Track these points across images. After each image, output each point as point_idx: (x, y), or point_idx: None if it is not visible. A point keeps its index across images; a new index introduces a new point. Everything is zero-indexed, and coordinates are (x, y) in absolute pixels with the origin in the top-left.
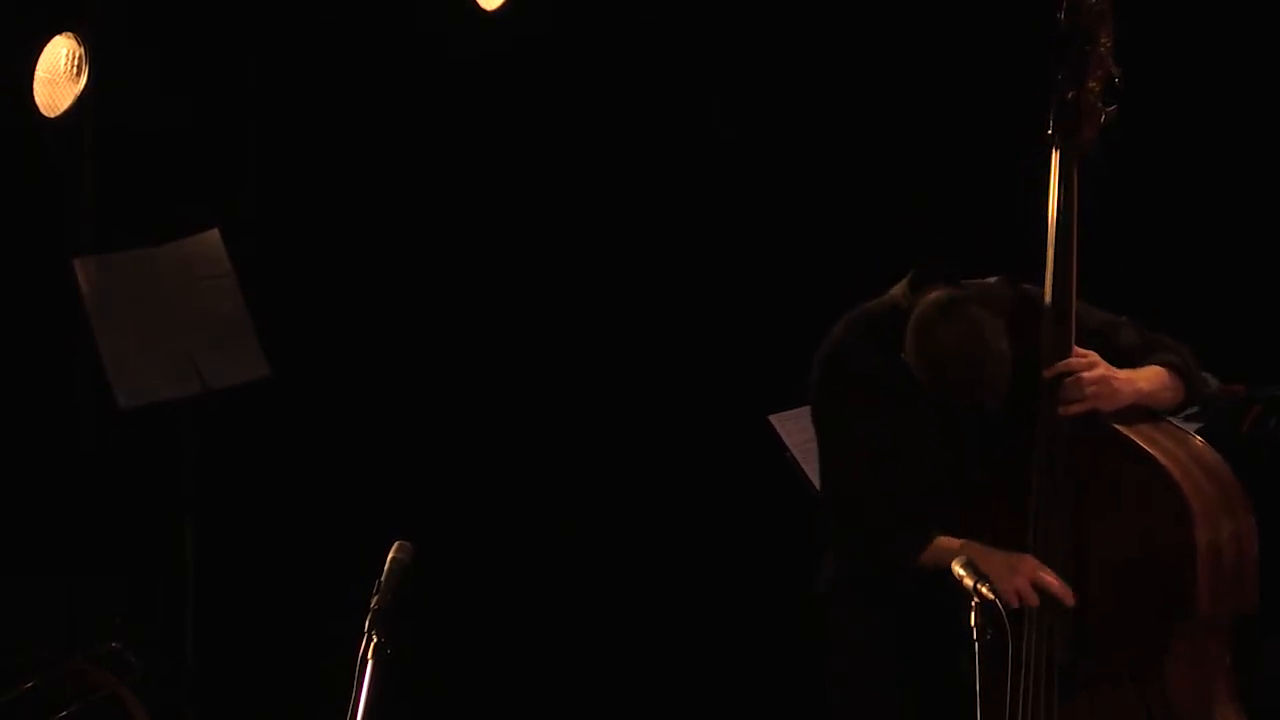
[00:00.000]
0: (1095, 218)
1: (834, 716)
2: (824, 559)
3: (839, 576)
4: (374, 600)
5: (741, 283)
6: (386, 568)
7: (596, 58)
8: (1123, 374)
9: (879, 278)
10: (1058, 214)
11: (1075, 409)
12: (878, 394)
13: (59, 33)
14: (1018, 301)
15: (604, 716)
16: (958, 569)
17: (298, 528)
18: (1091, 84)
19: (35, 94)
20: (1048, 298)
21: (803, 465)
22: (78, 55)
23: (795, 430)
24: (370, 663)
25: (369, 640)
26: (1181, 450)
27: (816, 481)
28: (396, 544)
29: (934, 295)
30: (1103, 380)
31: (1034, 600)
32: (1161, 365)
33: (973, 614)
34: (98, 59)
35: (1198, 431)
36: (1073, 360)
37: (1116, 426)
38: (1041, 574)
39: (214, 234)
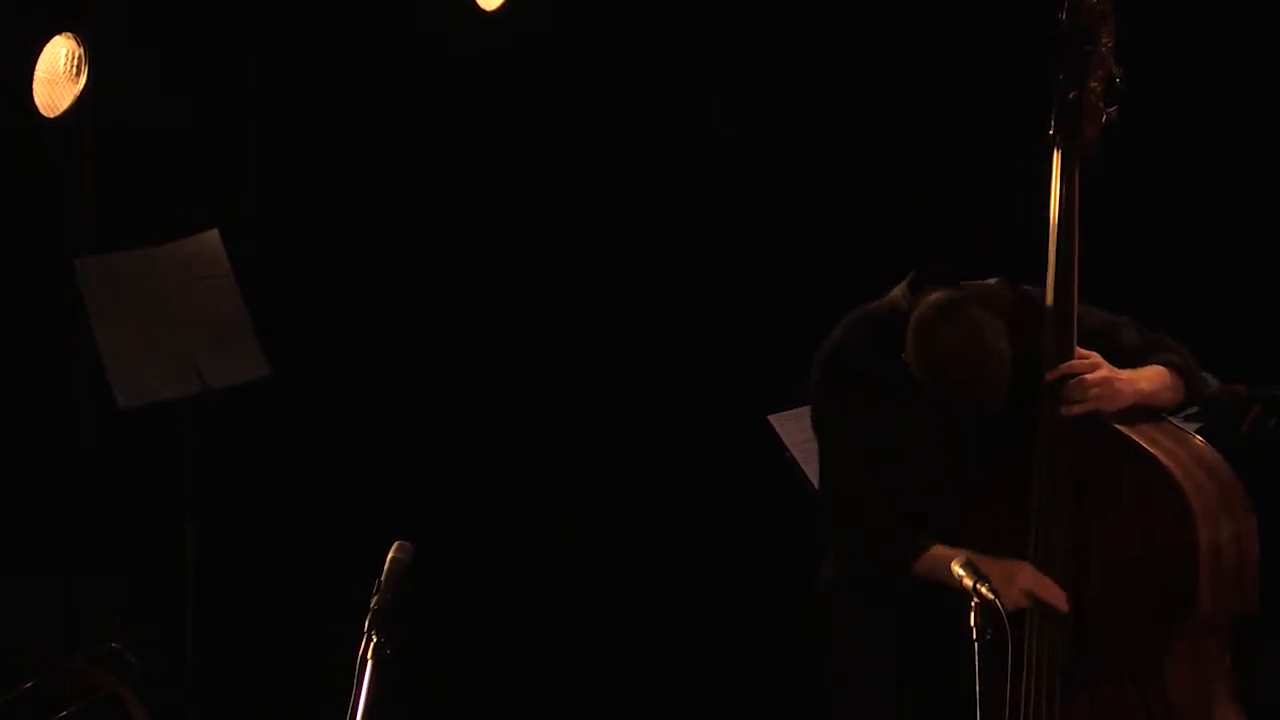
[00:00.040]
0: (1096, 218)
1: (834, 716)
2: (824, 559)
3: (839, 576)
4: (374, 600)
5: (741, 283)
6: (386, 568)
7: (596, 58)
8: (1124, 374)
9: (879, 278)
10: (1059, 215)
11: (1077, 410)
12: (878, 395)
13: (59, 33)
14: (1018, 303)
15: (604, 716)
16: (957, 569)
17: (298, 528)
18: (1093, 84)
19: (35, 94)
20: (1049, 299)
21: (803, 465)
22: (78, 55)
23: (795, 430)
24: (370, 663)
25: (369, 640)
26: (1182, 450)
27: (816, 482)
28: (396, 544)
29: (934, 296)
30: (1105, 381)
31: (1026, 604)
32: (1162, 365)
33: (973, 614)
34: (98, 59)
35: (1198, 431)
36: (1075, 362)
37: (1117, 427)
38: (1038, 583)
39: (214, 234)
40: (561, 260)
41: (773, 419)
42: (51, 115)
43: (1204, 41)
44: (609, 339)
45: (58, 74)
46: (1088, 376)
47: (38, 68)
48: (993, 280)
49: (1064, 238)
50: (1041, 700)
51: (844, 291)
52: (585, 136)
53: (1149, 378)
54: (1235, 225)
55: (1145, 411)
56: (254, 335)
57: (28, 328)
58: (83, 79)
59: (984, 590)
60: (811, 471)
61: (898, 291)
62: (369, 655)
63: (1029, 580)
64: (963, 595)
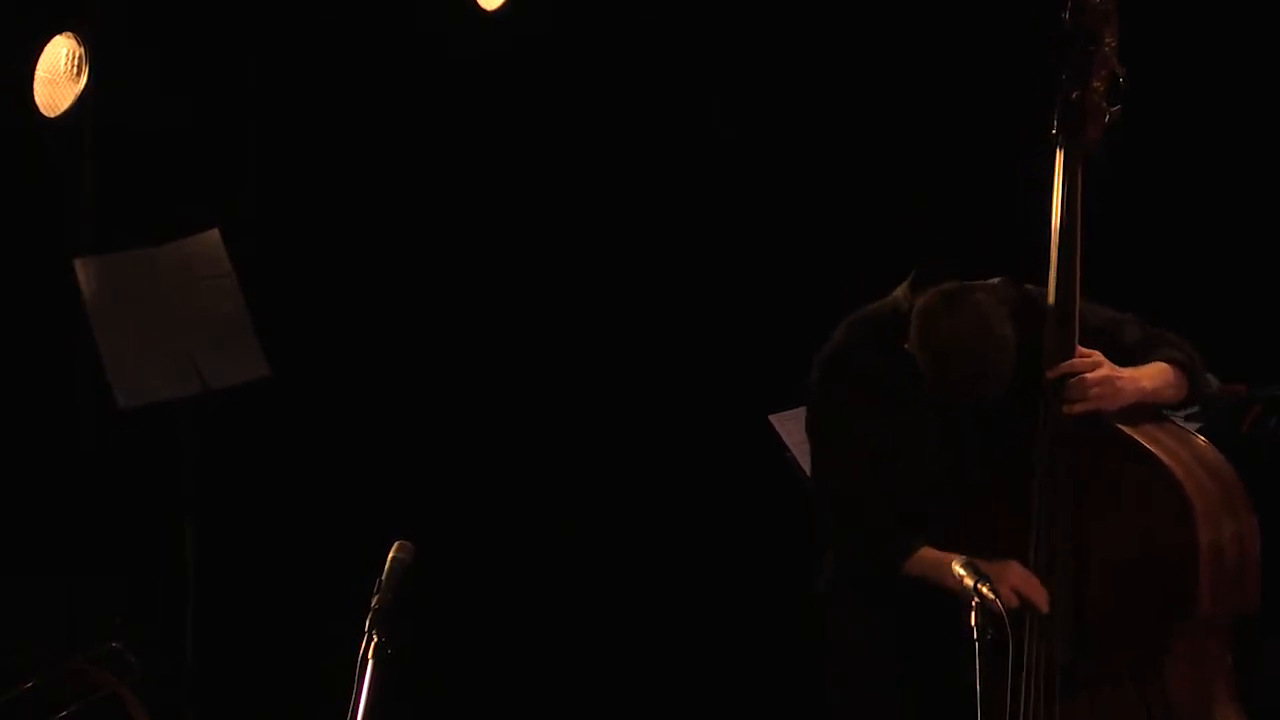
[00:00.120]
0: (1096, 217)
1: (834, 716)
2: (824, 559)
3: (839, 576)
4: (374, 600)
5: (742, 283)
6: (387, 568)
7: (596, 58)
8: (1126, 373)
9: (880, 279)
10: (1062, 214)
11: (1078, 409)
12: (878, 395)
13: (59, 33)
14: (1020, 302)
15: (604, 716)
16: (958, 569)
17: (298, 528)
18: (1096, 84)
19: (35, 94)
20: (1051, 298)
21: (803, 465)
22: (78, 55)
23: (795, 430)
24: (370, 663)
25: (369, 640)
26: (1184, 450)
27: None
28: (397, 544)
29: (938, 288)
30: (1106, 381)
31: (1015, 602)
32: (1165, 361)
33: (973, 614)
34: (98, 59)
35: (1198, 431)
36: (1076, 361)
37: (1119, 426)
38: (1026, 581)
39: (214, 234)
40: (562, 260)
41: (773, 419)
42: (52, 115)
43: (1205, 41)
44: (609, 339)
45: (58, 74)
46: (1089, 375)
47: (38, 67)
48: (995, 280)
49: (1066, 237)
50: (1041, 700)
51: (844, 292)
52: (585, 137)
53: (1151, 375)
54: (1235, 225)
55: (1148, 410)
56: (254, 335)
57: (28, 328)
58: (83, 79)
59: (984, 590)
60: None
61: (899, 292)
62: (369, 655)
63: (1018, 578)
64: (960, 595)
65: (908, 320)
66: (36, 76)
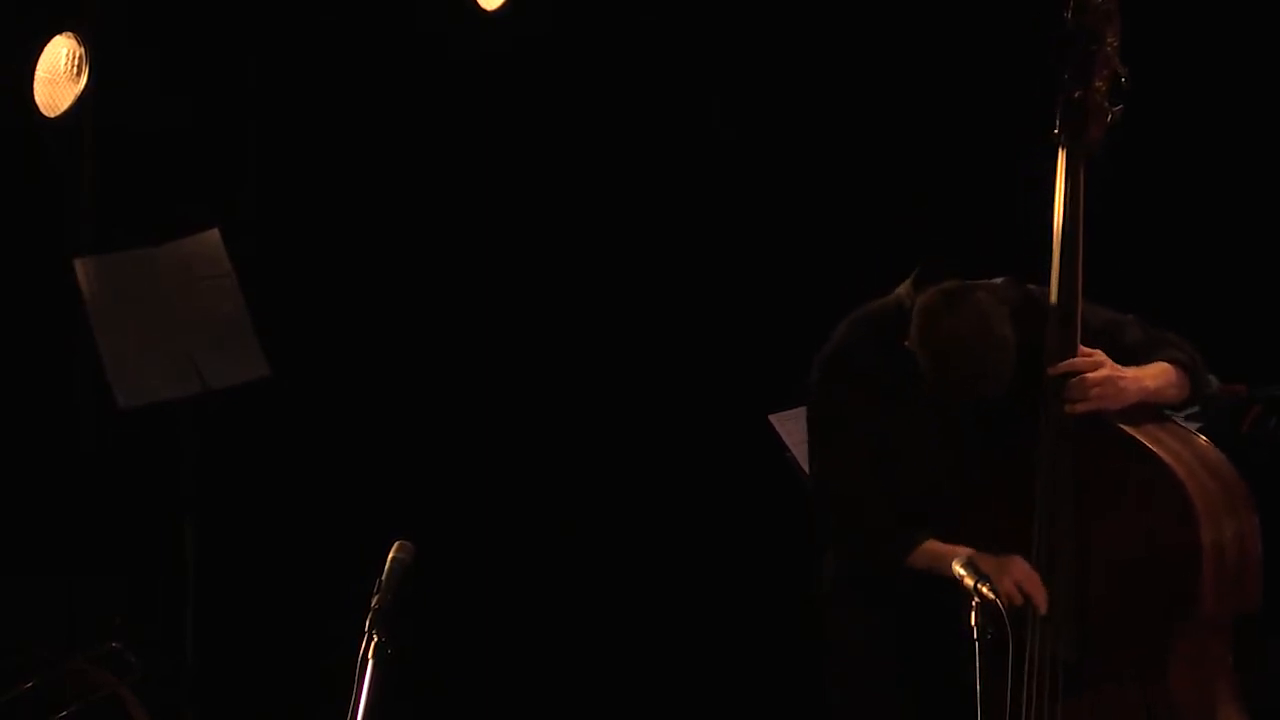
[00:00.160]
0: (1096, 217)
1: (834, 716)
2: (824, 559)
3: (839, 576)
4: (374, 600)
5: (742, 283)
6: (387, 568)
7: (596, 58)
8: (1129, 372)
9: (880, 278)
10: (1064, 213)
11: (1081, 409)
12: (878, 394)
13: (59, 33)
14: (1022, 302)
15: (604, 716)
16: (958, 569)
17: (298, 528)
18: (1098, 84)
19: (35, 94)
20: (1053, 298)
21: (803, 465)
22: (78, 55)
23: (795, 430)
24: (370, 663)
25: (369, 640)
26: (1186, 449)
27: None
28: (397, 544)
29: (939, 287)
30: (1109, 380)
31: (1020, 600)
32: (1167, 361)
33: (973, 614)
34: (98, 59)
35: (1198, 431)
36: (1078, 360)
37: (1121, 426)
38: (1029, 578)
39: (214, 234)
40: (562, 260)
41: (773, 419)
42: (52, 115)
43: (1205, 42)
44: (609, 339)
45: (58, 74)
46: (1091, 375)
47: (38, 67)
48: (997, 280)
49: (1068, 237)
50: (1044, 699)
51: (845, 291)
52: (585, 137)
53: (1154, 375)
54: (1235, 225)
55: (1150, 409)
56: (254, 335)
57: (28, 328)
58: (83, 79)
59: (984, 590)
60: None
61: (902, 290)
62: (369, 655)
63: (1022, 573)
64: (963, 594)
65: (910, 318)
66: (36, 76)
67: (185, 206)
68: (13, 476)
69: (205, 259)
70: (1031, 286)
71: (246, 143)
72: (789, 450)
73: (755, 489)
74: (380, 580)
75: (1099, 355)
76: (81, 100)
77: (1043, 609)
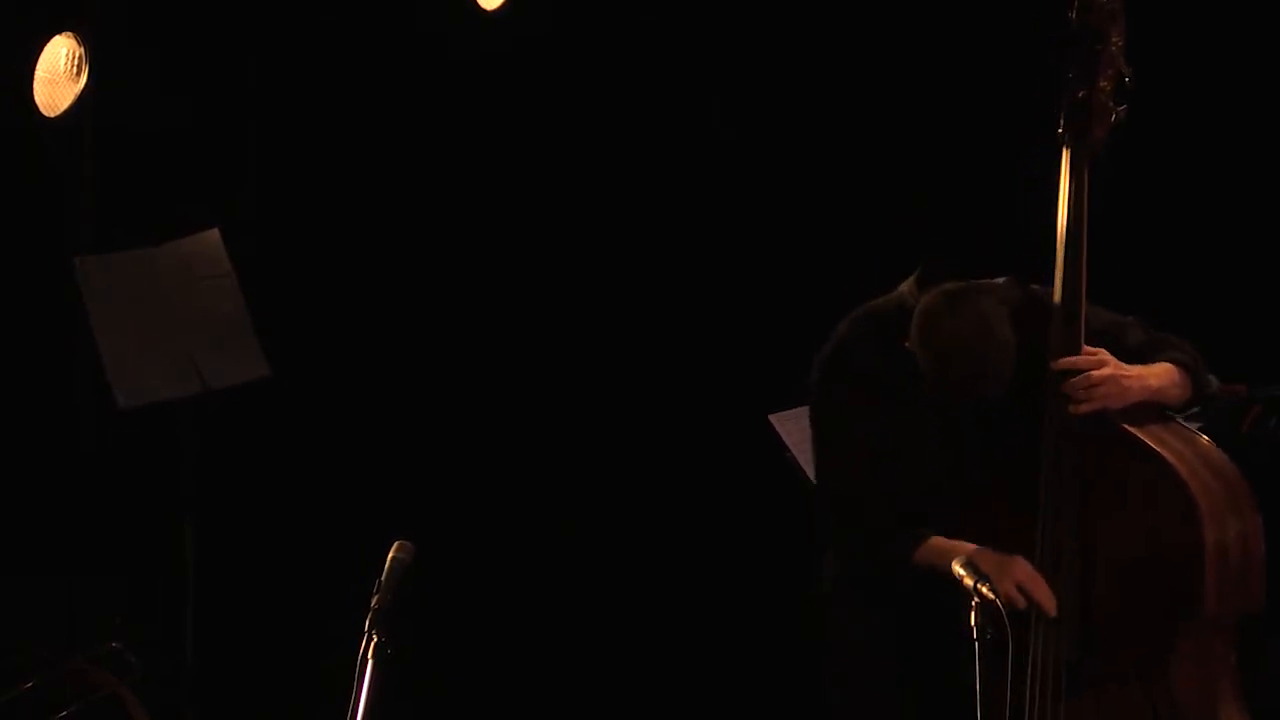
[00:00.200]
0: (1097, 217)
1: (834, 716)
2: (824, 559)
3: (839, 576)
4: (374, 600)
5: (742, 283)
6: (386, 567)
7: (596, 58)
8: (1132, 370)
9: (880, 278)
10: (1068, 213)
11: (1085, 409)
12: (879, 394)
13: (59, 33)
14: (1024, 302)
15: (604, 716)
16: (958, 569)
17: (298, 528)
18: (1103, 83)
19: (35, 94)
20: (1057, 298)
21: (803, 465)
22: (78, 55)
23: (795, 430)
24: (370, 663)
25: (369, 640)
26: (1189, 449)
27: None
28: (396, 544)
29: (940, 288)
30: (1112, 379)
31: (1021, 602)
32: (1170, 362)
33: (973, 614)
34: (98, 59)
35: (1198, 431)
36: (1081, 358)
37: (1124, 425)
38: (1031, 579)
39: (214, 234)
40: (562, 260)
41: (773, 419)
42: (52, 115)
43: (1205, 42)
44: (609, 339)
45: (58, 74)
46: (1094, 373)
47: (38, 67)
48: (1000, 279)
49: (1072, 237)
50: (1047, 698)
51: (845, 291)
52: (585, 136)
53: (1157, 374)
54: (1235, 225)
55: (1153, 409)
56: (254, 335)
57: (28, 328)
58: (83, 79)
59: (984, 590)
60: (811, 471)
61: (904, 288)
62: (369, 655)
63: (1024, 574)
64: (962, 594)
65: (912, 316)
66: (36, 76)
67: (185, 206)
68: (13, 476)
69: (205, 259)
70: (1034, 286)
71: (246, 143)
72: (789, 450)
73: (755, 489)
74: (380, 580)
75: (1103, 354)
76: (81, 100)
77: (1051, 612)
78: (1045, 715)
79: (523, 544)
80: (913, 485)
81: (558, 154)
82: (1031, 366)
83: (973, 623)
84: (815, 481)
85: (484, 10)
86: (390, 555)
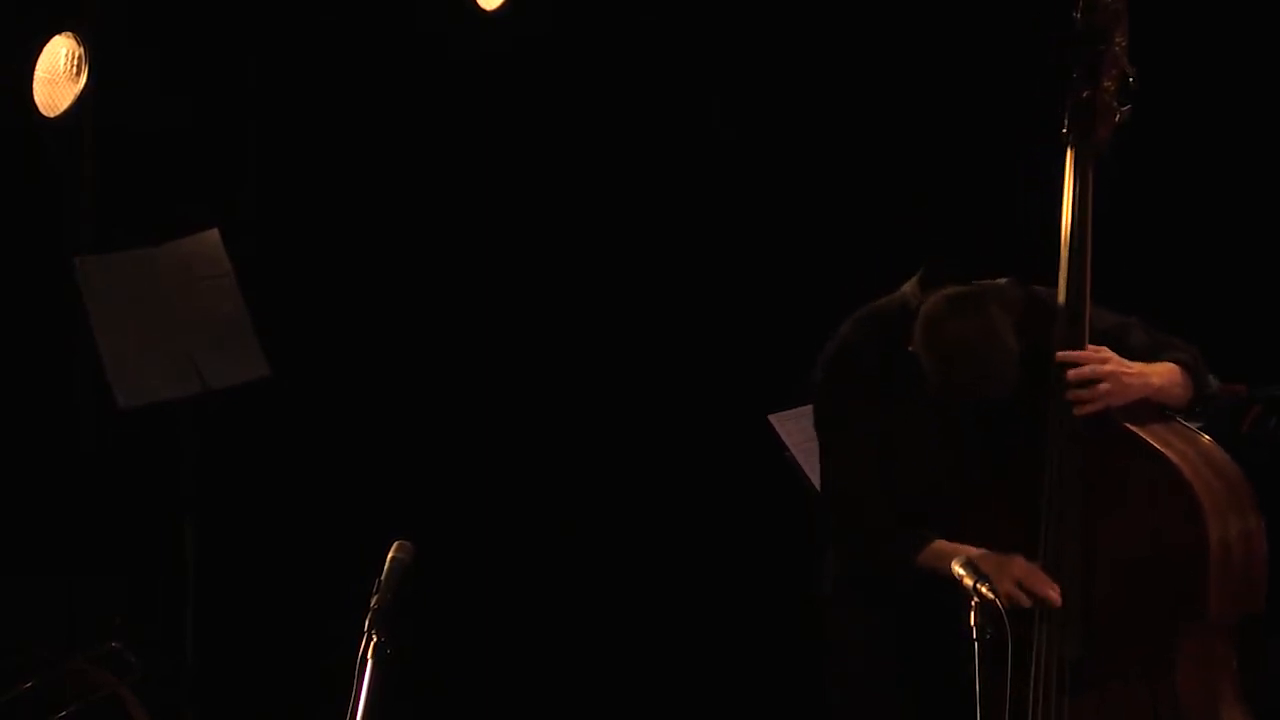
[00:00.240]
0: (1098, 217)
1: (834, 716)
2: (825, 559)
3: (840, 577)
4: (374, 600)
5: (742, 283)
6: (386, 567)
7: (596, 58)
8: (1135, 367)
9: (881, 278)
10: (1072, 214)
11: (1089, 409)
12: (882, 394)
13: (59, 33)
14: (1028, 302)
15: (604, 716)
16: (958, 569)
17: (298, 528)
18: (1107, 83)
19: (35, 94)
20: (1061, 298)
21: (803, 465)
22: (78, 55)
23: (795, 430)
24: (370, 663)
25: (369, 640)
26: (1191, 449)
27: (817, 481)
28: (396, 544)
29: (944, 290)
30: (1114, 375)
31: (1025, 601)
32: (1173, 362)
33: (973, 614)
34: (98, 59)
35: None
36: (1084, 353)
37: (1127, 424)
38: (1030, 575)
39: (214, 234)
40: (562, 260)
41: (773, 419)
42: (52, 115)
43: (1211, 42)
44: (609, 339)
45: (58, 74)
46: (1096, 369)
47: (38, 67)
48: (1002, 281)
49: (1076, 237)
50: (1051, 697)
51: (845, 291)
52: (585, 136)
53: (1159, 373)
54: (1235, 225)
55: (1155, 409)
56: (254, 335)
57: (28, 328)
58: (83, 79)
59: (984, 590)
60: (812, 471)
61: (908, 289)
62: (369, 655)
63: (1022, 571)
64: (962, 594)
65: (915, 317)
66: (36, 76)
67: (185, 206)
68: (13, 476)
69: (205, 259)
70: (1037, 287)
71: (246, 143)
72: (789, 450)
73: (755, 489)
74: (380, 580)
75: (1105, 351)
76: (81, 100)
77: (1056, 602)
78: (1049, 714)
79: (523, 544)
80: (915, 485)
81: (558, 154)
82: (1034, 368)
83: (973, 623)
84: (820, 481)
85: (484, 10)
86: (390, 555)
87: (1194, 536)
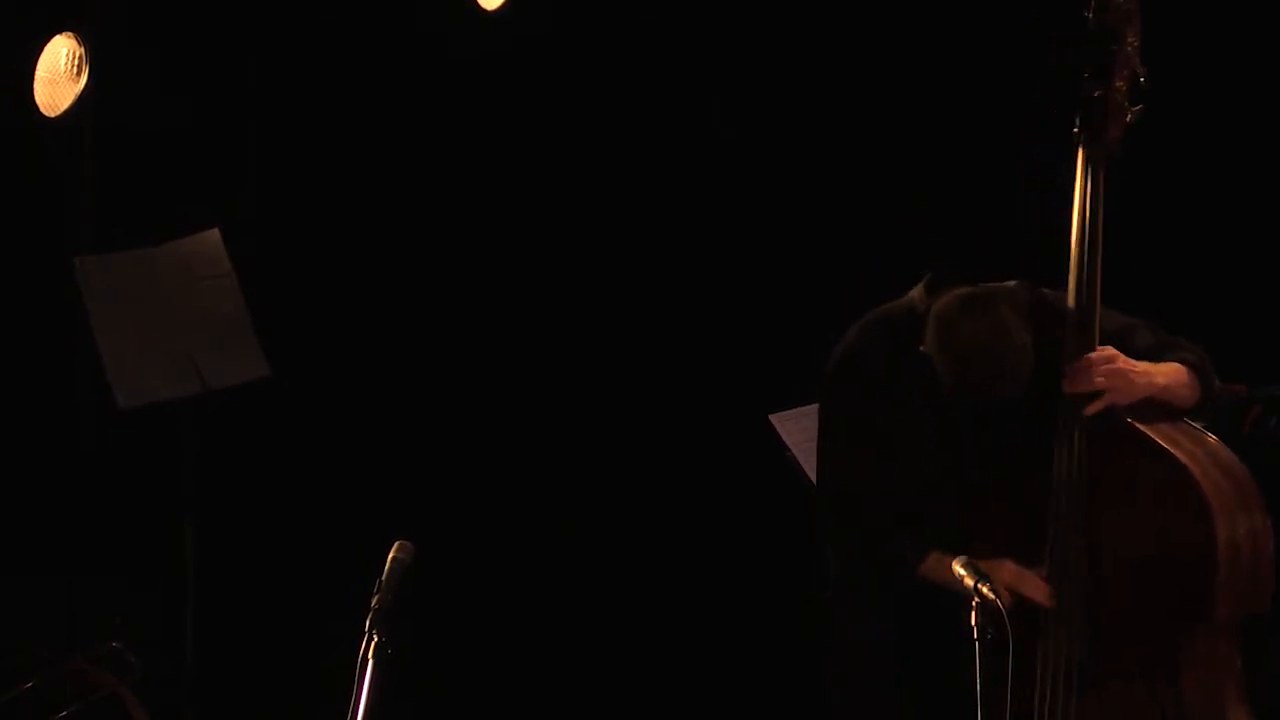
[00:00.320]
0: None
1: (834, 716)
2: (825, 559)
3: (839, 576)
4: (374, 600)
5: (742, 283)
6: (387, 568)
7: (596, 58)
8: (1140, 366)
9: (881, 278)
10: (1082, 214)
11: (1095, 407)
12: (889, 399)
13: (59, 33)
14: (1035, 305)
15: (604, 716)
16: (958, 569)
17: (298, 528)
18: (1118, 83)
19: (35, 94)
20: (1071, 299)
21: (803, 465)
22: (78, 55)
23: (795, 430)
24: (370, 663)
25: (369, 640)
26: (1199, 448)
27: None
28: (397, 544)
29: (956, 291)
30: (1120, 373)
31: (1008, 602)
32: (1179, 363)
33: (973, 614)
34: (98, 59)
35: None
36: (1091, 355)
37: (1134, 423)
38: (1020, 579)
39: (214, 234)
40: (562, 260)
41: (773, 419)
42: (52, 115)
43: (1222, 43)
44: (609, 339)
45: (58, 74)
46: (1102, 367)
47: (38, 67)
48: (1011, 283)
49: (1087, 238)
50: (1058, 698)
51: (845, 292)
52: (586, 136)
53: (1165, 372)
54: (1234, 225)
55: (1162, 409)
56: (254, 335)
57: (28, 328)
58: (83, 79)
59: (984, 590)
60: (811, 471)
61: (915, 294)
62: (369, 655)
63: (1011, 577)
64: (963, 594)
65: (923, 322)
66: (36, 76)
67: (185, 206)
68: (13, 476)
69: (205, 259)
70: (1045, 290)
71: (246, 143)
72: (789, 450)
73: (755, 489)
74: (380, 580)
75: (1111, 350)
76: (81, 100)
77: (1048, 604)
78: (1055, 715)
79: (523, 544)
80: (921, 488)
81: (558, 154)
82: (1040, 370)
83: (973, 623)
84: (817, 481)
85: (484, 10)
86: (390, 555)
87: (1202, 536)
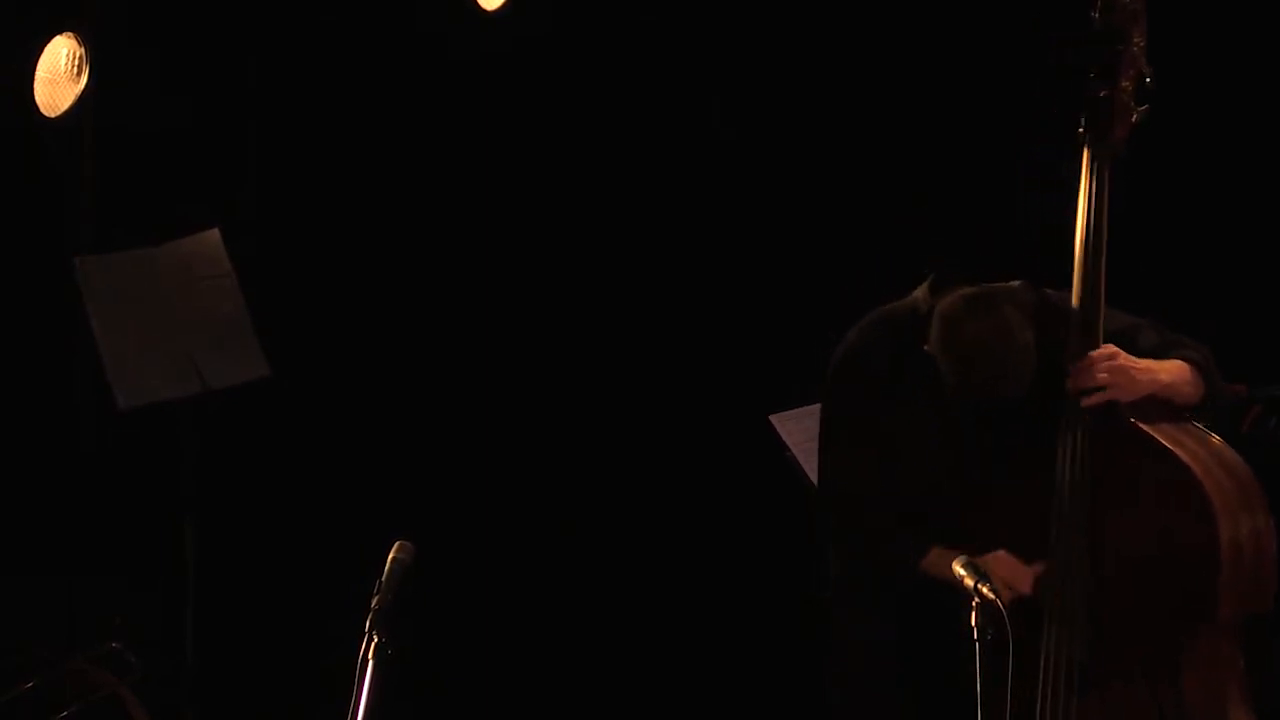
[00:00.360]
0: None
1: (834, 716)
2: (825, 559)
3: (840, 576)
4: (374, 600)
5: (743, 283)
6: (387, 568)
7: (596, 58)
8: (1142, 363)
9: (883, 279)
10: (1087, 214)
11: (1095, 400)
12: (892, 399)
13: (59, 33)
14: (1039, 305)
15: (604, 716)
16: (958, 569)
17: (298, 528)
18: (1124, 83)
19: (35, 94)
20: (1075, 299)
21: (803, 465)
22: (78, 55)
23: (795, 430)
24: (370, 663)
25: (369, 640)
26: (1202, 448)
27: (817, 481)
28: (397, 544)
29: (960, 291)
30: (1121, 370)
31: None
32: (1182, 360)
33: (973, 614)
34: (98, 59)
35: None
36: (1093, 353)
37: (1138, 423)
38: (1014, 573)
39: (214, 234)
40: (562, 260)
41: (773, 419)
42: (52, 115)
43: (1228, 43)
44: (609, 339)
45: (58, 74)
46: (1104, 364)
47: (38, 67)
48: (1014, 283)
49: (1092, 238)
50: (1060, 698)
51: (846, 292)
52: (586, 136)
53: (1168, 370)
54: (1235, 225)
55: (1166, 409)
56: (254, 335)
57: (28, 328)
58: (83, 79)
59: (984, 590)
60: (812, 471)
61: (918, 294)
62: (369, 655)
63: (1004, 569)
64: (963, 594)
65: (926, 322)
66: (36, 76)
67: (185, 206)
68: (13, 476)
69: (205, 259)
70: (1048, 290)
71: (246, 143)
72: (789, 450)
73: (755, 489)
74: (380, 580)
75: (1113, 348)
76: (81, 100)
77: (1026, 590)
78: (1057, 715)
79: (523, 544)
80: (924, 488)
81: (558, 154)
82: (1043, 370)
83: (973, 623)
84: (819, 481)
85: (484, 10)
86: (390, 556)
87: (1205, 536)
